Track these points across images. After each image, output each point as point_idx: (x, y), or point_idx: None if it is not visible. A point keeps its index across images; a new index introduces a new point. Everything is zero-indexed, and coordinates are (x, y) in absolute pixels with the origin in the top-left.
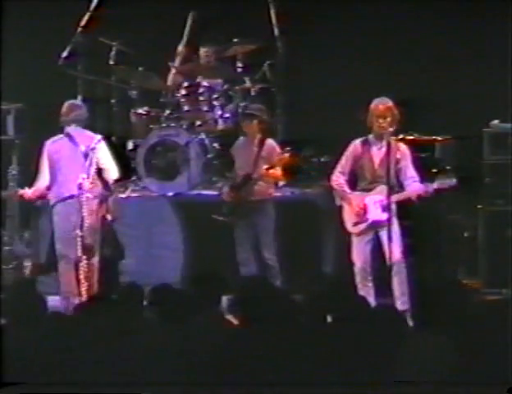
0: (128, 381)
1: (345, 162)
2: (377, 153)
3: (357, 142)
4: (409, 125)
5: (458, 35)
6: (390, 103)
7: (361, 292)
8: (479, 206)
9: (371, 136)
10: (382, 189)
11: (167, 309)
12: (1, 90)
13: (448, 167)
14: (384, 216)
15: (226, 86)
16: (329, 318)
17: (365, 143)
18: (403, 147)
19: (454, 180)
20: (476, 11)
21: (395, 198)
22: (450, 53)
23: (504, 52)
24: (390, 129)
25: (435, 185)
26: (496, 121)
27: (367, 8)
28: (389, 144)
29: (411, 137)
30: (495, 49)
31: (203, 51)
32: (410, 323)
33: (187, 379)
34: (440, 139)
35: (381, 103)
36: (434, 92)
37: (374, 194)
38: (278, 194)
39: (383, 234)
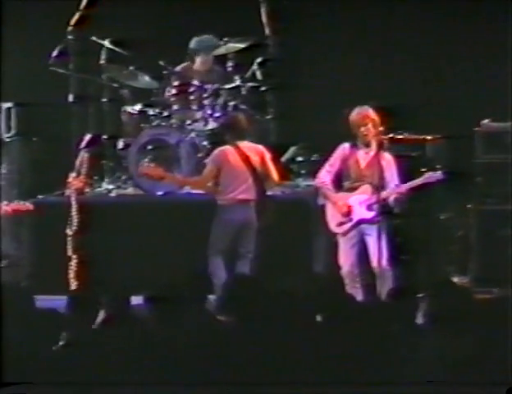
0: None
1: (333, 162)
2: (364, 156)
3: (346, 145)
4: (399, 124)
5: (452, 34)
6: (367, 111)
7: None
8: (469, 205)
9: (358, 142)
10: (367, 188)
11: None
12: (1, 90)
13: (438, 167)
14: (369, 215)
15: (216, 85)
16: (319, 318)
17: (354, 146)
18: (388, 157)
19: (439, 173)
20: (475, 11)
21: (378, 197)
22: (444, 53)
23: (500, 51)
24: (374, 134)
25: (420, 180)
26: (486, 121)
27: (360, 8)
28: (376, 150)
29: (401, 136)
30: (490, 49)
31: (197, 57)
32: (401, 323)
33: (175, 379)
34: (430, 138)
35: (359, 113)
36: (426, 92)
37: (359, 194)
38: (268, 193)
39: (369, 236)
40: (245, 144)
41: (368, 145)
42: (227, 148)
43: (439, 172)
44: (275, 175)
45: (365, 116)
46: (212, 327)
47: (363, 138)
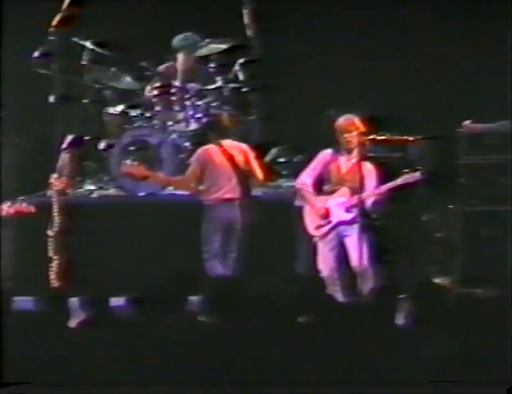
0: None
1: (314, 166)
2: (346, 163)
3: (329, 151)
4: (382, 125)
5: (437, 35)
6: (353, 119)
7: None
8: (451, 206)
9: (341, 148)
10: (345, 191)
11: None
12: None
13: (419, 168)
14: (348, 216)
15: (198, 86)
16: (301, 318)
17: (336, 153)
18: (369, 166)
19: (417, 174)
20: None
21: (357, 199)
22: (427, 54)
23: (487, 52)
24: (358, 142)
25: (398, 181)
26: (468, 122)
27: (343, 9)
28: (358, 158)
29: (383, 137)
30: (476, 50)
31: (180, 55)
32: (383, 324)
33: (170, 379)
34: (412, 139)
35: (345, 120)
36: (410, 93)
37: (337, 196)
38: (253, 192)
39: (348, 239)
40: (229, 143)
41: (350, 152)
42: (211, 147)
43: (417, 173)
44: (259, 174)
45: (351, 123)
46: (194, 328)
47: (347, 145)
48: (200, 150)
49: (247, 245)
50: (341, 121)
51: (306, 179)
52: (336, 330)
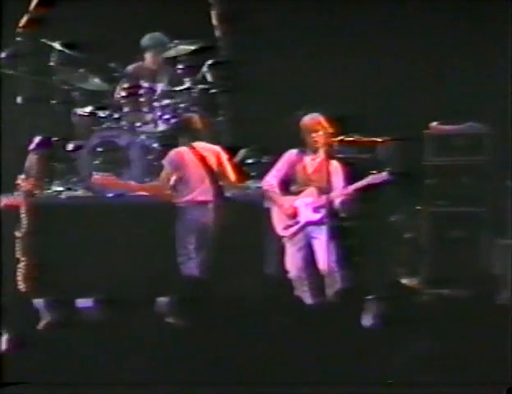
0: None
1: (280, 167)
2: (312, 162)
3: (294, 151)
4: (350, 126)
5: (405, 36)
6: (319, 118)
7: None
8: (419, 207)
9: (306, 149)
10: (312, 191)
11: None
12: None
13: (388, 169)
14: (316, 217)
15: (166, 87)
16: (271, 319)
17: (301, 152)
18: (335, 164)
19: (384, 174)
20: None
21: (325, 199)
22: (395, 55)
23: (453, 53)
24: (324, 142)
25: (365, 181)
26: (435, 123)
27: (310, 10)
28: (323, 157)
29: (352, 139)
30: (444, 51)
31: (148, 55)
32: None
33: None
34: (380, 140)
35: (311, 119)
36: (377, 94)
37: (305, 197)
38: (226, 194)
39: (315, 240)
40: (201, 145)
41: (316, 152)
42: (183, 149)
43: (384, 173)
44: (232, 176)
45: (317, 122)
46: (162, 329)
47: (313, 144)
48: (172, 153)
49: (219, 246)
50: (307, 120)
51: (272, 180)
52: (304, 331)
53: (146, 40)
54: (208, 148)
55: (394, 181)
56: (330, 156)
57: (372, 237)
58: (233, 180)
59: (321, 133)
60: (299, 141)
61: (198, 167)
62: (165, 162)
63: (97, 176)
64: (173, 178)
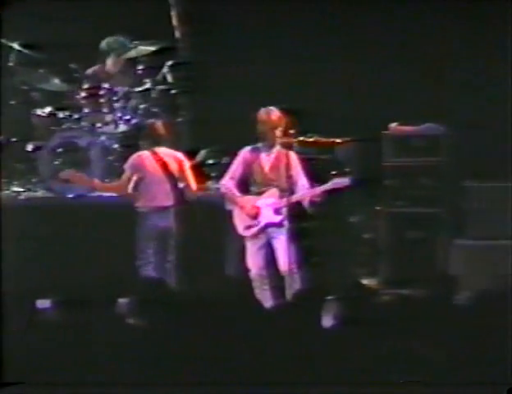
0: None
1: (235, 168)
2: (267, 159)
3: (247, 149)
4: (309, 126)
5: (364, 36)
6: (277, 113)
7: (259, 297)
8: (378, 207)
9: (261, 144)
10: (274, 192)
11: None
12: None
13: (347, 169)
14: (277, 218)
15: (126, 88)
16: (231, 320)
17: (255, 150)
18: (293, 155)
19: (347, 180)
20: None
21: (286, 201)
22: (356, 55)
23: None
24: (280, 137)
25: (327, 186)
26: (394, 124)
27: (270, 10)
28: (279, 152)
29: (311, 139)
30: (402, 51)
31: (109, 57)
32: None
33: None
34: (340, 141)
35: (269, 113)
36: (337, 94)
37: (266, 197)
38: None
39: (276, 239)
40: (163, 151)
41: (271, 147)
42: (144, 153)
43: (346, 179)
44: (193, 184)
45: (277, 117)
46: (122, 330)
47: (268, 139)
48: (134, 156)
49: (180, 249)
50: (262, 114)
51: (228, 182)
52: (265, 331)
53: (107, 43)
54: (171, 154)
55: (355, 186)
56: (285, 149)
57: (331, 238)
58: (194, 189)
59: (276, 127)
60: (259, 140)
61: (158, 171)
62: (126, 165)
63: (65, 172)
64: (133, 181)
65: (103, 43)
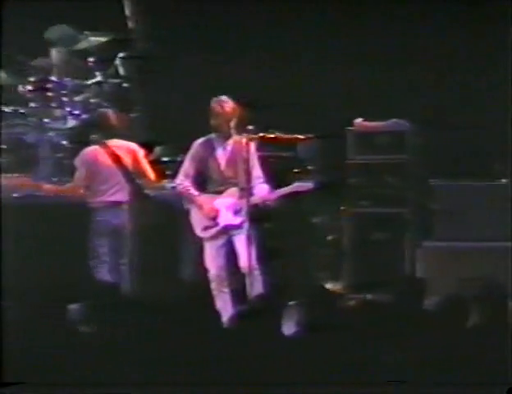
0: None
1: (188, 165)
2: (222, 153)
3: (199, 142)
4: (270, 122)
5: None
6: (231, 103)
7: (217, 300)
8: (342, 207)
9: (214, 135)
10: (233, 192)
11: None
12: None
13: (310, 167)
14: (236, 220)
15: (76, 81)
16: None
17: (208, 143)
18: (250, 148)
19: (310, 183)
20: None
21: (246, 202)
22: (322, 50)
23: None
24: (235, 129)
25: (289, 189)
26: (359, 120)
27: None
28: (234, 144)
29: (272, 135)
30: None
31: (55, 48)
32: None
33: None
34: (302, 137)
35: (222, 104)
36: (299, 89)
37: (225, 197)
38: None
39: (237, 239)
40: (115, 143)
41: (226, 139)
42: (95, 148)
43: (309, 182)
44: (151, 173)
45: (225, 107)
46: (74, 337)
47: (223, 130)
48: (84, 152)
49: (135, 249)
50: (214, 105)
51: (184, 181)
52: (224, 337)
53: (52, 33)
54: (124, 146)
55: (318, 186)
56: (241, 142)
57: (293, 240)
58: (152, 179)
59: (233, 119)
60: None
61: (112, 166)
62: (76, 162)
63: (9, 176)
64: (86, 178)
65: (49, 33)
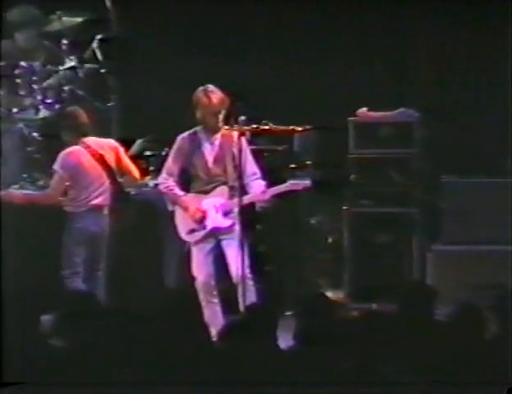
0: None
1: (172, 162)
2: (210, 149)
3: (183, 136)
4: (263, 113)
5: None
6: (219, 93)
7: (205, 311)
8: (342, 207)
9: (199, 128)
10: (223, 190)
11: None
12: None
13: (308, 162)
14: (226, 223)
15: (48, 67)
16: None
17: (194, 137)
18: (242, 142)
19: (307, 181)
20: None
21: (237, 202)
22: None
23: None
24: (223, 121)
25: (284, 187)
26: (364, 109)
27: None
28: (223, 139)
29: (266, 127)
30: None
31: (22, 31)
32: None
33: None
34: (299, 129)
35: (208, 94)
36: (291, 77)
37: (213, 197)
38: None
39: (226, 243)
40: (95, 141)
41: (214, 132)
42: (76, 149)
43: (306, 180)
44: (135, 171)
45: (212, 98)
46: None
47: (210, 123)
48: (64, 154)
49: (113, 255)
50: (200, 95)
51: (168, 180)
52: (212, 352)
53: (13, 15)
54: (105, 143)
55: (316, 183)
56: (231, 136)
57: (289, 243)
58: (137, 176)
59: (222, 111)
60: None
61: (96, 167)
62: (56, 166)
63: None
64: (68, 184)
65: (10, 14)
